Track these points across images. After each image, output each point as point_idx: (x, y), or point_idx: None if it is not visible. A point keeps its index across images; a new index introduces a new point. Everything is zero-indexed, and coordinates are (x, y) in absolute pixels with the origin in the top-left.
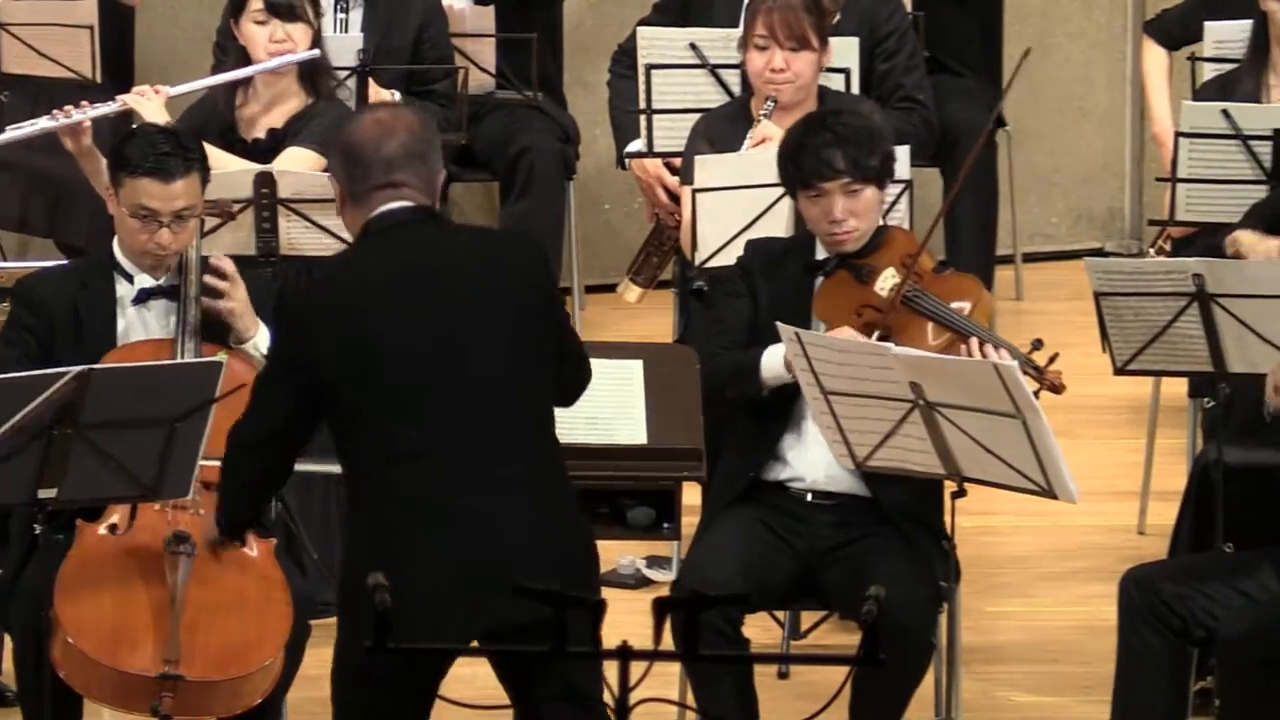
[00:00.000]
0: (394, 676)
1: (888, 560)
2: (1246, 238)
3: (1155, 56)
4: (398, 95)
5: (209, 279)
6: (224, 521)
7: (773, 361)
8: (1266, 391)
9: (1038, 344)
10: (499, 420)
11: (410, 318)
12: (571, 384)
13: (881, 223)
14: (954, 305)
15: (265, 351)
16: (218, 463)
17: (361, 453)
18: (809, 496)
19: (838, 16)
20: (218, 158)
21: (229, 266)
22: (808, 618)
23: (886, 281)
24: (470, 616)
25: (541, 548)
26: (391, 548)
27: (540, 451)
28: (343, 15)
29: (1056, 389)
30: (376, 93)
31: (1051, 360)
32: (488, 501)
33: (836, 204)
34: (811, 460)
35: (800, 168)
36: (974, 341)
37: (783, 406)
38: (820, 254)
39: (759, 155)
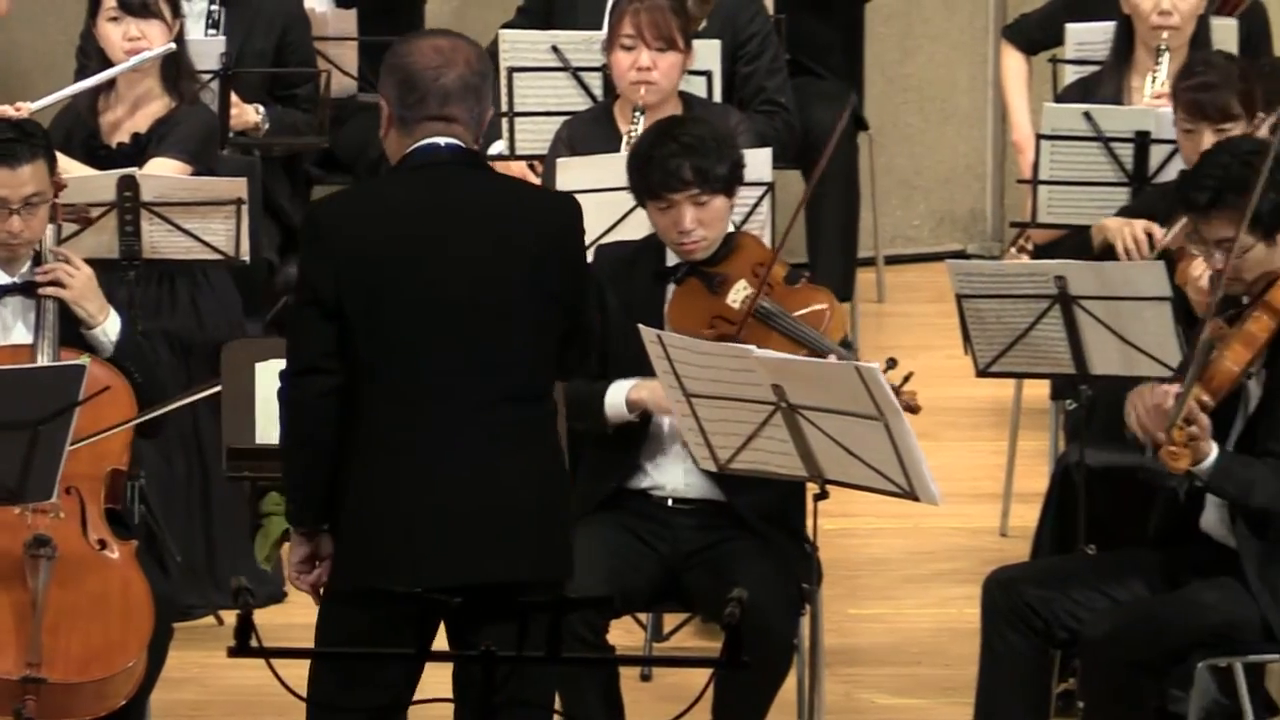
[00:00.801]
0: (375, 621)
1: (750, 563)
2: (1112, 222)
3: (1013, 62)
4: (262, 109)
5: (56, 268)
6: (297, 508)
7: (616, 400)
8: (1125, 416)
9: (891, 363)
10: (493, 376)
11: (424, 262)
12: (574, 356)
13: (732, 228)
14: (803, 312)
15: (115, 339)
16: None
17: (360, 385)
18: (669, 502)
19: (704, 23)
20: (79, 172)
21: (69, 254)
22: (670, 620)
23: (739, 293)
24: (445, 566)
25: (522, 509)
26: (375, 488)
27: (530, 413)
28: (215, 16)
29: (912, 409)
30: (237, 101)
31: (905, 380)
32: (472, 454)
33: (685, 214)
34: (671, 469)
35: (648, 179)
36: (830, 359)
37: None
38: (671, 260)
39: (617, 158)
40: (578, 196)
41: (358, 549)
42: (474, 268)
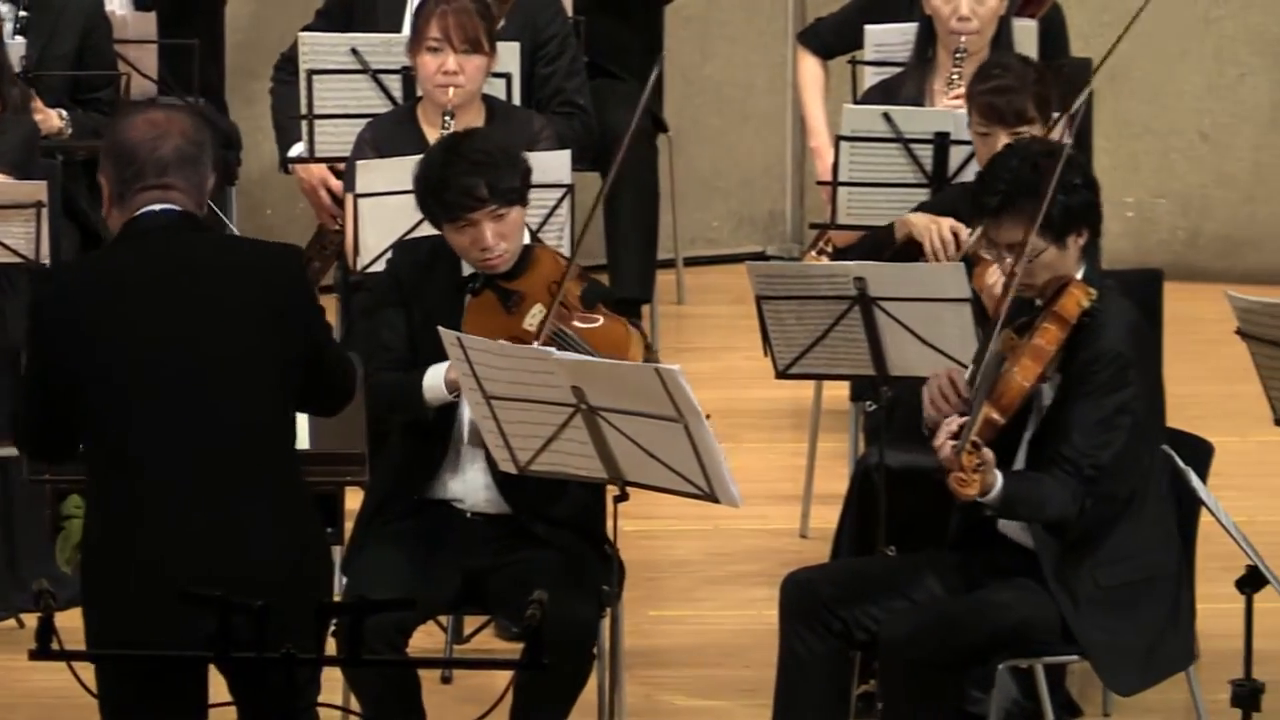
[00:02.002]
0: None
1: (550, 567)
2: (919, 218)
3: (809, 67)
4: (65, 114)
5: None
6: None
7: (434, 382)
8: (925, 408)
9: None
10: (231, 435)
11: (151, 326)
12: (326, 394)
13: (529, 240)
14: (594, 328)
15: None
16: None
17: (97, 452)
18: (469, 515)
19: (501, 22)
20: None
21: None
22: (471, 622)
23: (535, 316)
24: (192, 624)
25: (269, 563)
26: (118, 555)
27: (273, 468)
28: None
29: None
30: (40, 106)
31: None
32: (209, 516)
33: (486, 232)
34: (470, 483)
35: (444, 202)
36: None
37: (442, 430)
38: (467, 269)
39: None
40: (378, 198)
41: (108, 614)
42: (199, 329)
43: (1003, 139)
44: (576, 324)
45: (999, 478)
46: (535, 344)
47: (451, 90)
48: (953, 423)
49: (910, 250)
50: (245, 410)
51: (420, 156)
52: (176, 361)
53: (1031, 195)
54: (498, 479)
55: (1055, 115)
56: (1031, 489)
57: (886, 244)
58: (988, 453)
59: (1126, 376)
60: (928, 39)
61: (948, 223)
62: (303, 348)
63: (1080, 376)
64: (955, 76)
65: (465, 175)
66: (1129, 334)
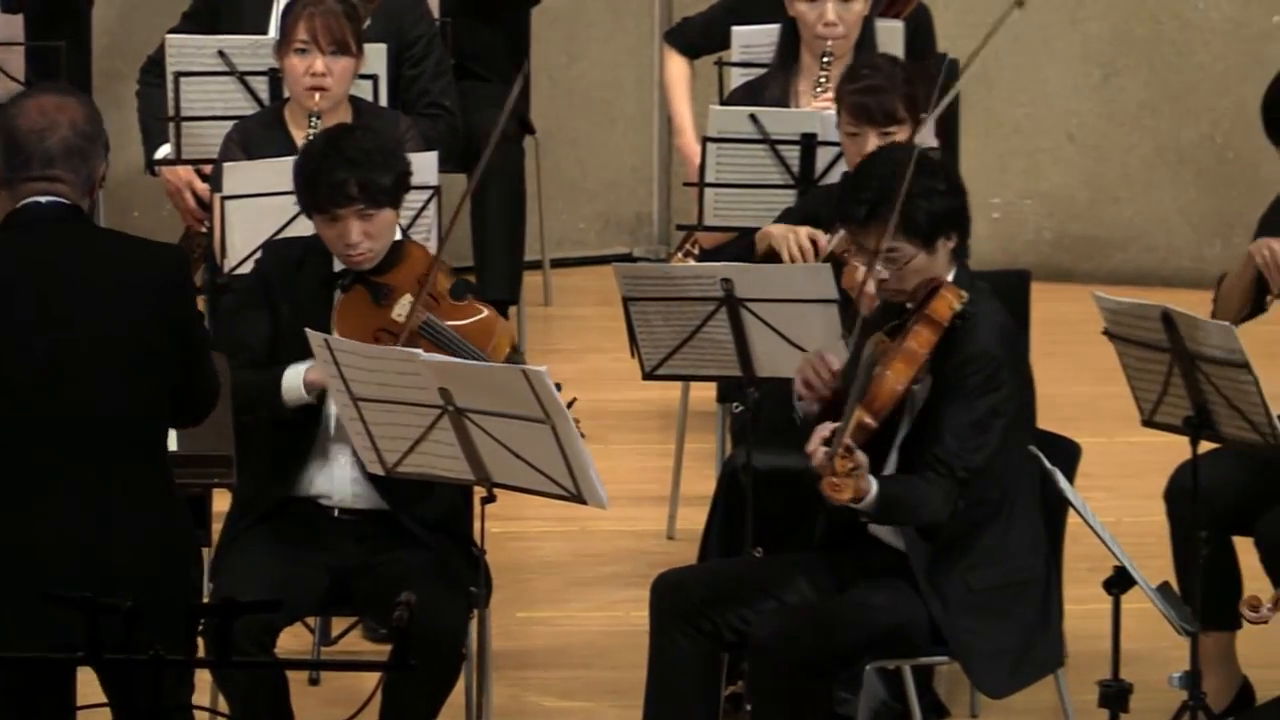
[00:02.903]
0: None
1: (418, 568)
2: (777, 229)
3: (675, 67)
4: None
5: None
6: None
7: (293, 382)
8: (795, 390)
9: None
10: (94, 434)
11: (22, 323)
12: (199, 398)
13: (400, 235)
14: (465, 324)
15: None
16: None
17: None
18: (336, 512)
19: (368, 22)
20: None
21: None
22: (339, 623)
23: (404, 307)
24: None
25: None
26: None
27: (139, 470)
28: None
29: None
30: None
31: (569, 405)
32: (74, 516)
33: (352, 229)
34: (338, 478)
35: (315, 194)
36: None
37: (308, 426)
38: (338, 265)
39: (291, 163)
40: (245, 200)
41: None
42: (75, 326)
43: (872, 139)
44: (444, 315)
45: (873, 483)
46: (404, 334)
47: (319, 95)
48: (825, 428)
49: (772, 261)
50: (116, 406)
51: (296, 156)
52: (49, 353)
53: (892, 205)
54: (367, 474)
55: (923, 116)
56: (906, 493)
57: (747, 254)
58: (861, 456)
59: (999, 378)
60: (792, 41)
61: (805, 231)
62: (178, 349)
63: (953, 379)
64: (823, 78)
65: (338, 170)
66: (1000, 336)
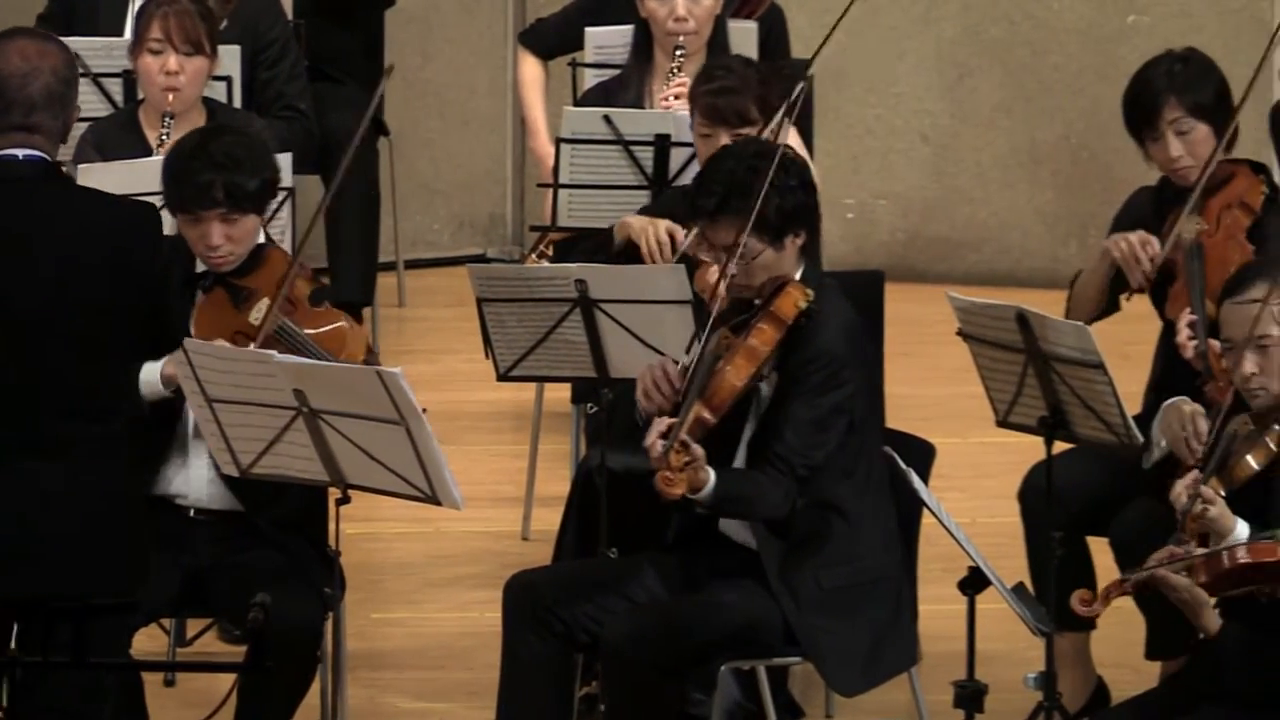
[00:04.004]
0: None
1: (273, 570)
2: (636, 220)
3: (530, 68)
4: None
5: None
6: None
7: (150, 377)
8: (637, 397)
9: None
10: (53, 392)
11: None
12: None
13: (262, 239)
14: (320, 332)
15: None
16: None
17: None
18: (192, 512)
19: (225, 22)
20: None
21: None
22: (194, 624)
23: (262, 310)
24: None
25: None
26: None
27: (90, 431)
28: None
29: None
30: None
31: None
32: (20, 472)
33: (214, 231)
34: (194, 479)
35: (180, 193)
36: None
37: (166, 423)
38: (200, 266)
39: (147, 164)
40: None
41: None
42: (43, 285)
43: (725, 140)
44: (301, 320)
45: (711, 475)
46: (259, 338)
47: (172, 96)
48: (662, 423)
49: (630, 253)
50: (72, 367)
51: (152, 156)
52: (16, 312)
53: (746, 196)
54: (223, 475)
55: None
56: (743, 487)
57: (605, 247)
58: (698, 450)
59: (841, 377)
60: (645, 41)
61: (664, 224)
62: (147, 306)
63: (795, 376)
64: (675, 69)
65: (205, 172)
66: (845, 335)
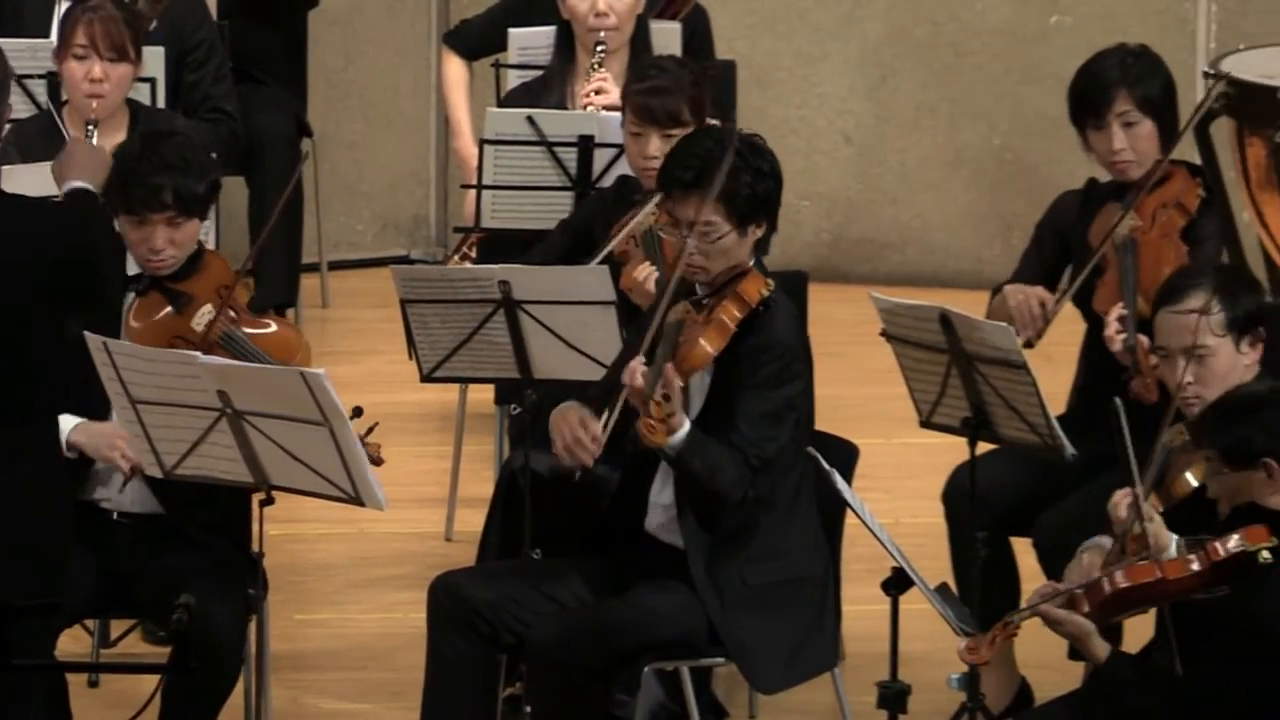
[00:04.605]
0: None
1: (196, 571)
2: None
3: (454, 68)
4: None
5: None
6: None
7: (62, 427)
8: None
9: (357, 412)
10: None
11: None
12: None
13: (200, 243)
14: (263, 334)
15: None
16: None
17: None
18: (115, 515)
19: (154, 23)
20: None
21: None
22: (118, 626)
23: (204, 317)
24: None
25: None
26: None
27: (12, 434)
28: None
29: (375, 461)
30: None
31: (370, 431)
32: None
33: (158, 235)
34: (118, 481)
35: (128, 195)
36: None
37: None
38: (133, 267)
39: None
40: None
41: None
42: None
43: (655, 141)
44: (246, 328)
45: (686, 421)
46: (204, 345)
47: (96, 104)
48: (639, 363)
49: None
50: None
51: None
52: None
53: (721, 174)
54: (147, 479)
55: (709, 121)
56: (713, 449)
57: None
58: (676, 386)
59: (794, 370)
60: (568, 41)
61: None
62: (76, 311)
63: (748, 367)
64: (596, 64)
65: (157, 175)
66: (797, 329)
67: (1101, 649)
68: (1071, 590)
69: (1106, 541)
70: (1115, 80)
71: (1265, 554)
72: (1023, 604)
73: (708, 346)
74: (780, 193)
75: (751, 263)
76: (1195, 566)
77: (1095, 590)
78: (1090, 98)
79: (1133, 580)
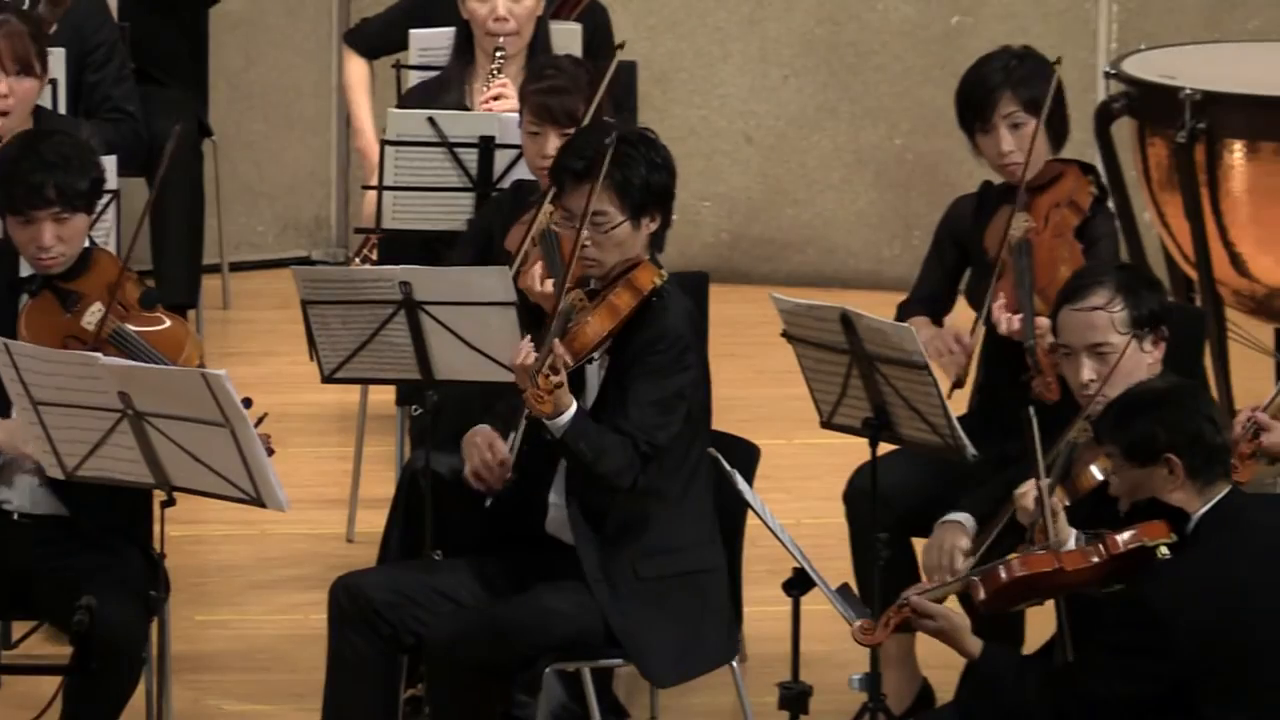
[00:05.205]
0: None
1: (97, 572)
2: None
3: (356, 68)
4: None
5: None
6: None
7: None
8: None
9: (247, 403)
10: None
11: None
12: None
13: (89, 243)
14: (154, 331)
15: None
16: None
17: None
18: (15, 516)
19: (55, 26)
20: None
21: None
22: (19, 627)
23: (94, 315)
24: None
25: None
26: None
27: None
28: None
29: (267, 451)
30: None
31: (260, 421)
32: None
33: (45, 232)
34: (19, 483)
35: (10, 195)
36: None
37: None
38: (25, 269)
39: None
40: None
41: None
42: None
43: (553, 139)
44: (136, 325)
45: (573, 402)
46: (95, 343)
47: (1, 120)
48: (528, 354)
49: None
50: None
51: None
52: None
53: (614, 165)
54: (48, 478)
55: (606, 119)
56: (599, 433)
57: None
58: (563, 377)
59: (686, 360)
60: (466, 42)
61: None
62: None
63: (640, 355)
64: (496, 70)
65: (37, 172)
66: (689, 319)
67: (974, 645)
68: (966, 578)
69: (963, 517)
70: (999, 83)
71: (1164, 549)
72: None
73: (597, 330)
74: (674, 185)
75: (646, 257)
76: (1094, 559)
77: (991, 577)
78: (975, 101)
79: (1030, 569)
